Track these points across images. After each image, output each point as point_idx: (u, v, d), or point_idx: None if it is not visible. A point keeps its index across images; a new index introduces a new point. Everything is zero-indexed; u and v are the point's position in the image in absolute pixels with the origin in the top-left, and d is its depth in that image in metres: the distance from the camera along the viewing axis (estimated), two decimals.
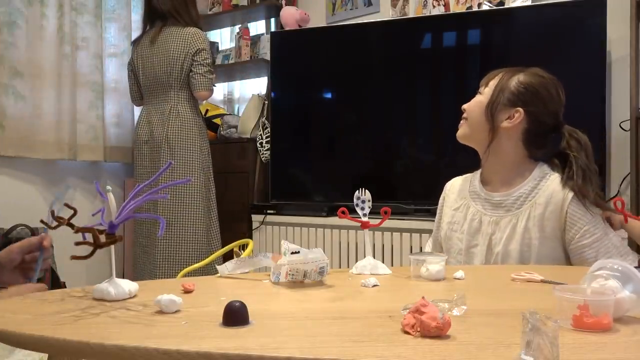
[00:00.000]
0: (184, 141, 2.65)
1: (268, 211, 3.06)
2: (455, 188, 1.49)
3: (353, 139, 2.95)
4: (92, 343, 0.64)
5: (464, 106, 1.41)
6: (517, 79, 1.34)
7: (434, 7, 2.97)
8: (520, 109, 1.32)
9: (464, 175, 1.52)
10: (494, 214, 1.35)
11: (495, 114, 1.33)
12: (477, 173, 1.46)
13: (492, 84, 1.36)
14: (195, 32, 2.69)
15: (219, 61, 3.59)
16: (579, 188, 1.26)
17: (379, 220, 1.18)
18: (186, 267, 1.26)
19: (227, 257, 1.23)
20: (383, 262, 1.18)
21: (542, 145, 1.36)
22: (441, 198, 1.54)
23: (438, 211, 1.55)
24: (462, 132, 1.41)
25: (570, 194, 1.26)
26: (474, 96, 1.41)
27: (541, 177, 1.33)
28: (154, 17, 2.75)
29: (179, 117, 2.66)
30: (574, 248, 1.26)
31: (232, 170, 3.18)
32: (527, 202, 1.31)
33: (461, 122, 1.41)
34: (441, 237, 1.48)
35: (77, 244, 0.83)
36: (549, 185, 1.30)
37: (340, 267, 2.59)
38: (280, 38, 3.19)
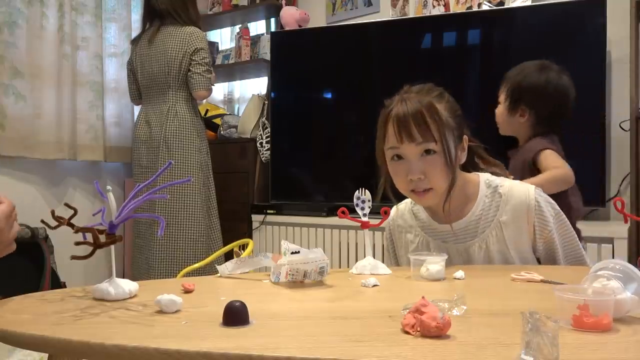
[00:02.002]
0: (183, 141, 2.65)
1: (268, 211, 3.06)
2: (400, 226, 1.34)
3: (353, 139, 2.95)
4: (92, 343, 0.64)
5: (421, 176, 1.16)
6: (445, 111, 1.18)
7: (434, 7, 2.97)
8: (465, 136, 1.23)
9: (400, 205, 1.36)
10: (459, 244, 1.24)
11: (456, 161, 1.19)
12: (416, 205, 1.31)
13: (436, 135, 1.14)
14: (193, 31, 2.68)
15: (219, 61, 3.59)
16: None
17: (379, 220, 1.18)
18: (184, 268, 1.26)
19: (228, 257, 1.23)
20: (383, 262, 1.18)
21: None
22: (387, 238, 1.39)
23: (388, 253, 1.39)
24: (434, 202, 1.22)
25: (532, 200, 1.19)
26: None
27: (492, 191, 1.23)
28: (152, 16, 2.75)
29: (177, 116, 2.66)
30: (546, 244, 1.21)
31: (232, 170, 3.18)
32: (489, 222, 1.21)
33: (422, 194, 1.18)
34: None
35: (77, 244, 0.83)
36: (507, 199, 1.21)
37: (340, 267, 2.59)
38: (280, 38, 3.19)
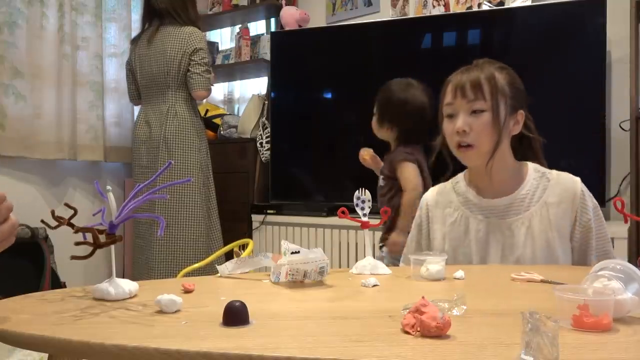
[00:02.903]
0: (183, 141, 2.65)
1: (268, 211, 3.06)
2: (439, 201, 1.38)
3: (353, 139, 2.94)
4: (92, 343, 0.64)
5: (464, 127, 1.23)
6: (503, 80, 1.24)
7: (434, 7, 2.97)
8: (522, 111, 1.28)
9: (438, 187, 1.42)
10: (501, 220, 1.28)
11: (506, 127, 1.25)
12: (459, 182, 1.37)
13: (487, 95, 1.22)
14: (192, 31, 2.68)
15: (219, 61, 3.59)
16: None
17: (379, 220, 1.18)
18: (185, 268, 1.26)
19: (228, 257, 1.23)
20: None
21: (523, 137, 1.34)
22: (422, 215, 1.42)
23: (418, 230, 1.42)
24: (475, 161, 1.28)
25: (579, 189, 1.25)
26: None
27: (540, 174, 1.29)
28: (152, 15, 2.74)
29: (177, 117, 2.66)
30: (582, 233, 1.25)
31: (232, 170, 3.18)
32: (535, 203, 1.26)
33: (463, 149, 1.25)
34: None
35: (77, 244, 0.83)
36: (556, 183, 1.26)
37: (340, 267, 2.58)
38: (280, 38, 3.19)
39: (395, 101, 1.84)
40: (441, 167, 1.42)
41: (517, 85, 1.28)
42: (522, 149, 1.34)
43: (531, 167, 1.31)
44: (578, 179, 1.27)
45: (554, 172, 1.30)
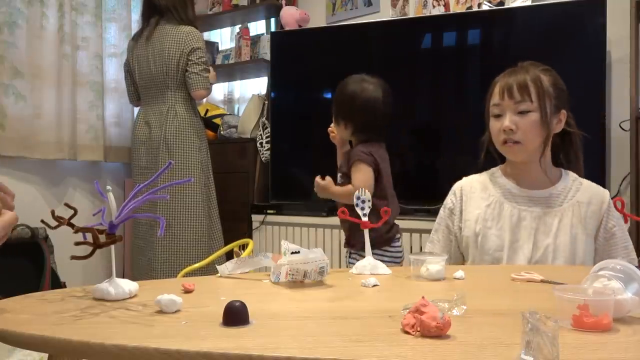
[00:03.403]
0: (183, 141, 2.64)
1: (268, 211, 3.06)
2: (475, 187, 1.46)
3: None
4: (92, 343, 0.64)
5: (511, 126, 1.31)
6: (548, 82, 1.34)
7: (434, 7, 2.97)
8: (564, 111, 1.36)
9: (473, 176, 1.49)
10: (535, 209, 1.36)
11: (551, 126, 1.35)
12: (495, 173, 1.45)
13: (534, 96, 1.31)
14: (190, 30, 2.67)
15: (219, 61, 3.59)
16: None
17: (379, 220, 1.18)
18: (186, 268, 1.26)
19: (228, 257, 1.23)
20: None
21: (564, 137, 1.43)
22: (455, 199, 1.48)
23: (449, 212, 1.49)
24: (520, 156, 1.37)
25: (608, 197, 1.36)
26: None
27: (573, 178, 1.40)
28: (152, 12, 2.73)
29: (177, 117, 2.65)
30: (606, 238, 1.36)
31: (232, 170, 3.18)
32: (568, 200, 1.36)
33: (510, 144, 1.34)
34: (465, 237, 1.43)
35: (77, 244, 0.83)
36: (588, 187, 1.38)
37: (340, 267, 2.59)
38: (280, 38, 3.19)
39: (345, 95, 1.79)
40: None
41: (560, 86, 1.36)
42: (565, 145, 1.43)
43: (563, 170, 1.42)
44: (607, 191, 1.40)
45: (585, 179, 1.42)
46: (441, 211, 1.52)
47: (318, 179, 1.71)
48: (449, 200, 1.50)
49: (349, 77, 1.84)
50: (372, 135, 1.76)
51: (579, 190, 1.37)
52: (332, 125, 1.86)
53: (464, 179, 1.51)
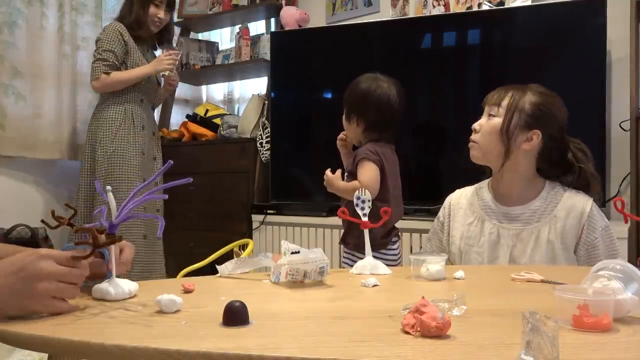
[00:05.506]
0: (96, 134, 2.56)
1: (268, 211, 3.05)
2: (461, 203, 1.49)
3: None
4: (92, 343, 0.64)
5: (475, 126, 1.41)
6: (529, 100, 1.35)
7: (434, 7, 2.97)
8: (538, 131, 1.34)
9: (464, 189, 1.53)
10: (512, 227, 1.37)
11: (512, 137, 1.34)
12: (483, 187, 1.47)
13: (504, 105, 1.36)
14: (106, 26, 2.62)
15: (219, 61, 3.59)
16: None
17: (379, 220, 1.18)
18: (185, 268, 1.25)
19: (228, 256, 1.23)
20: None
21: (553, 161, 1.40)
22: (444, 213, 1.53)
23: (440, 225, 1.54)
24: (474, 155, 1.43)
25: (588, 208, 1.33)
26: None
27: (555, 191, 1.38)
28: None
29: (96, 114, 2.60)
30: (587, 250, 1.32)
31: (232, 170, 3.18)
32: (546, 215, 1.35)
33: (471, 143, 1.41)
34: (452, 252, 1.47)
35: (77, 243, 0.83)
36: (567, 199, 1.36)
37: (340, 267, 2.58)
38: (280, 38, 3.19)
39: (359, 92, 1.77)
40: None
41: (544, 109, 1.35)
42: (575, 179, 1.39)
43: (548, 183, 1.40)
44: (590, 200, 1.36)
45: (570, 190, 1.38)
46: (435, 222, 1.56)
47: (328, 171, 1.71)
48: (441, 213, 1.55)
49: (362, 75, 1.82)
50: (383, 134, 1.75)
51: (558, 204, 1.36)
52: (343, 133, 1.85)
53: (456, 192, 1.54)
